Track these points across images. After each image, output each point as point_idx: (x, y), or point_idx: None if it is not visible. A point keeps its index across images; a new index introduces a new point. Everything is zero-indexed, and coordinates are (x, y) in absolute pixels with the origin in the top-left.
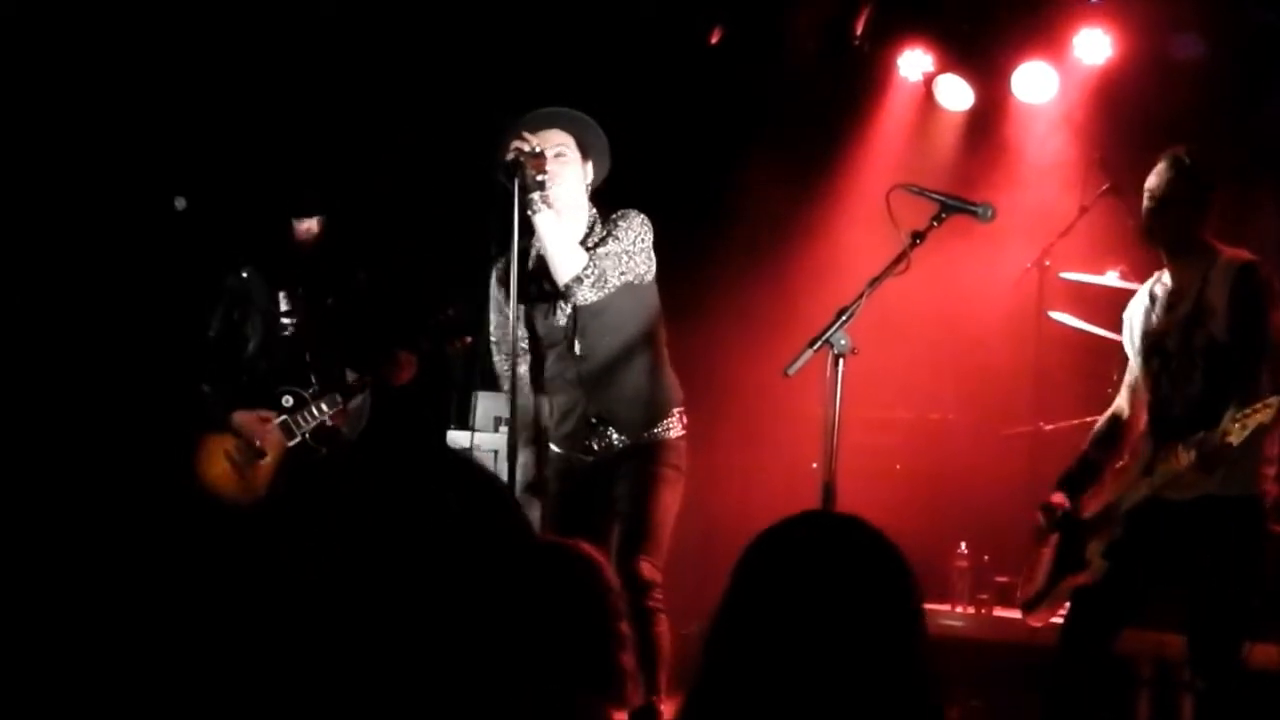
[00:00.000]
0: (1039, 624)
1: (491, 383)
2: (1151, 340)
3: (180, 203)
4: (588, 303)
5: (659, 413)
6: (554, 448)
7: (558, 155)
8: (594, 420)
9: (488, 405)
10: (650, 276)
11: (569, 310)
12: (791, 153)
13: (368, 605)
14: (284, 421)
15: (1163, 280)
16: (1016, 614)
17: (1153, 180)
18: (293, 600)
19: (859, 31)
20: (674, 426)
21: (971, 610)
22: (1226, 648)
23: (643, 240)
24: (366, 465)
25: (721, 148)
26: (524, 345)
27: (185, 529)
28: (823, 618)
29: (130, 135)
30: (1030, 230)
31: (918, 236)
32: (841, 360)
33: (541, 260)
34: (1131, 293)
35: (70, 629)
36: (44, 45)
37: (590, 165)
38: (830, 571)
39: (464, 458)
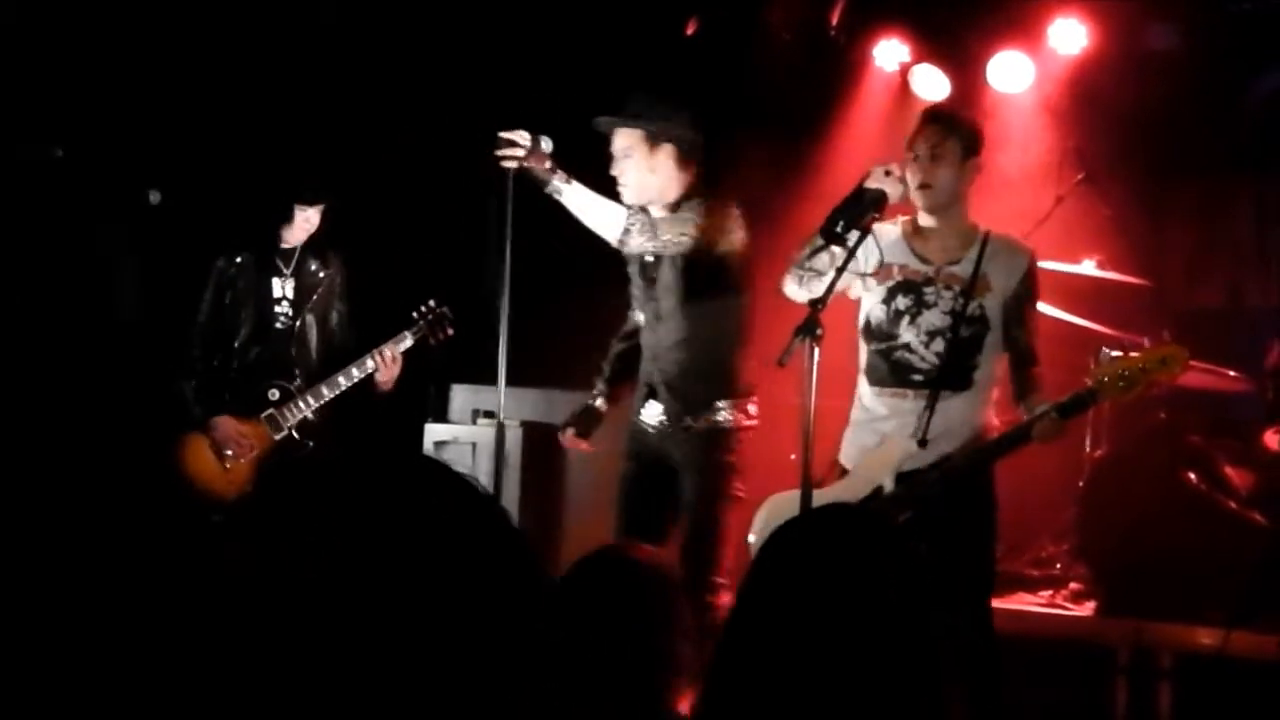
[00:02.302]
0: None
1: (470, 374)
2: (903, 278)
3: (155, 196)
4: (642, 251)
5: (716, 394)
6: (632, 418)
7: (625, 158)
8: (649, 389)
9: (465, 398)
10: (732, 260)
11: (642, 282)
12: (767, 144)
13: (356, 613)
14: (270, 415)
15: (918, 225)
16: (1001, 604)
17: (928, 140)
18: (286, 602)
19: (835, 22)
20: (737, 415)
21: None
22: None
23: (715, 216)
24: (348, 465)
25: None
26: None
27: (167, 525)
28: (841, 616)
29: (122, 124)
30: (1006, 220)
31: (838, 225)
32: (816, 349)
33: (641, 233)
34: (1110, 281)
35: (45, 624)
36: (43, 39)
37: (669, 145)
38: (856, 571)
39: (440, 464)
